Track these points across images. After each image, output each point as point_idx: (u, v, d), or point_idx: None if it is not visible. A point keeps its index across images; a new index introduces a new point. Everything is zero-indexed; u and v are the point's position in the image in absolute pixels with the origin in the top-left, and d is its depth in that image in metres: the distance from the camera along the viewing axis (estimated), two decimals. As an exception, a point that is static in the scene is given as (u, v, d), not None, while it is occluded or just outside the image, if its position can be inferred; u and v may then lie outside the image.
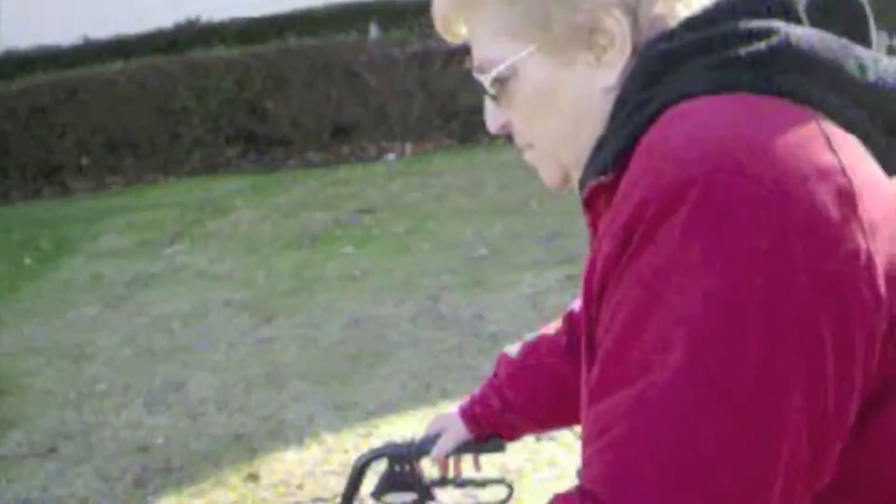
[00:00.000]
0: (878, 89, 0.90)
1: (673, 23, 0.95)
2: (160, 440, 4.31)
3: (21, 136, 10.40)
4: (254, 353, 5.15)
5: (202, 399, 4.65)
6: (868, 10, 0.96)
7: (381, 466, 1.62)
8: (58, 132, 10.41)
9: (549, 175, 1.08)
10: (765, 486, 0.79)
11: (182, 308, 6.02)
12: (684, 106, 0.88)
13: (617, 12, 0.94)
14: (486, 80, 1.03)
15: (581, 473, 0.86)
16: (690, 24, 0.93)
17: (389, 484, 1.59)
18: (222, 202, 8.72)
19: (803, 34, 0.89)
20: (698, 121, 0.86)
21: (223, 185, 9.44)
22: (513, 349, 1.58)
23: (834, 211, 0.80)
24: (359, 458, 1.63)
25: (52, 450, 4.37)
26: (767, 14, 0.91)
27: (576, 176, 1.04)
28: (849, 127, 0.89)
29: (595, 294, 0.90)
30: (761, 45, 0.88)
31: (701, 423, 0.78)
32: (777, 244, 0.78)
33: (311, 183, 9.07)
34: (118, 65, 10.50)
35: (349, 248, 6.81)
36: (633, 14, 0.95)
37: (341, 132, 9.91)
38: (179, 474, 3.97)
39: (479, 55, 1.03)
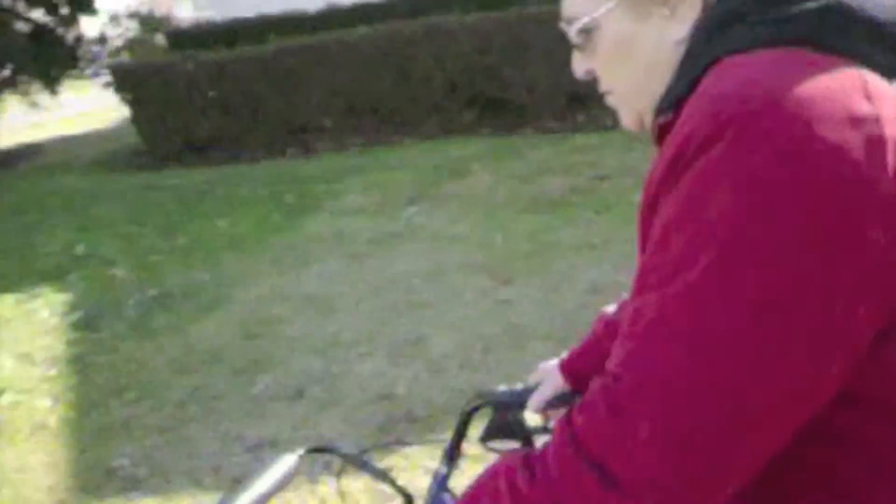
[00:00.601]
0: None
1: None
2: (402, 390, 4.40)
3: (270, 97, 10.90)
4: (492, 313, 5.17)
5: (443, 354, 4.71)
6: None
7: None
8: (303, 94, 10.83)
9: (626, 118, 1.20)
10: (768, 375, 0.89)
11: (421, 267, 6.13)
12: (736, 58, 0.97)
13: None
14: (571, 30, 1.14)
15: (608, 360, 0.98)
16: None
17: (495, 430, 1.64)
18: (459, 165, 8.82)
19: None
20: (744, 70, 0.95)
21: (460, 149, 9.55)
22: (611, 308, 1.64)
23: (861, 155, 0.88)
24: (467, 403, 1.68)
25: (300, 393, 4.55)
26: None
27: (649, 119, 1.14)
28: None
29: (647, 213, 1.00)
30: (811, 4, 0.97)
31: (716, 317, 0.88)
32: (800, 179, 0.87)
33: (547, 149, 9.03)
34: (362, 30, 10.78)
35: (588, 214, 6.74)
36: None
37: (576, 100, 9.81)
38: (423, 424, 4.04)
39: (567, 8, 1.15)
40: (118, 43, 15.54)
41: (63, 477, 4.13)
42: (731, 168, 0.89)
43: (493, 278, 5.72)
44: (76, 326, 6.03)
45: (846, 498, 1.00)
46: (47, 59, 14.64)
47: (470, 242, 6.54)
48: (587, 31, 1.12)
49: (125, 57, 15.11)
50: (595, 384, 0.97)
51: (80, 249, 7.94)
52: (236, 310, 5.87)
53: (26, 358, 5.56)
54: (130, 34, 15.35)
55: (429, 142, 10.18)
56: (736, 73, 0.95)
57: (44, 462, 4.27)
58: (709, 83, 0.97)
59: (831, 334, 0.89)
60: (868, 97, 0.91)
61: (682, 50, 1.06)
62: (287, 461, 1.49)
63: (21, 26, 14.60)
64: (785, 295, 0.87)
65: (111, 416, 4.61)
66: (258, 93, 10.91)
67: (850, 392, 0.94)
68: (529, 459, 1.00)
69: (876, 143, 0.89)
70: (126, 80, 11.95)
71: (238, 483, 1.44)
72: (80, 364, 5.38)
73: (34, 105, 15.61)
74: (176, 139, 11.49)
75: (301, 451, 1.53)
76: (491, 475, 1.04)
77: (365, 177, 9.04)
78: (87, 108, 18.93)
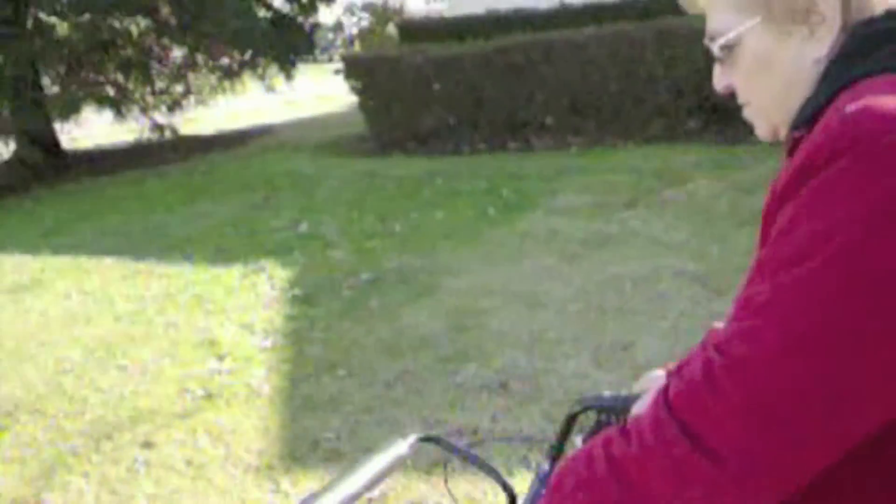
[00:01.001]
0: None
1: (880, 6, 1.10)
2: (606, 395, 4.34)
3: (494, 92, 11.02)
4: (703, 325, 5.03)
5: (649, 362, 4.62)
6: None
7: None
8: (527, 90, 10.88)
9: (761, 129, 1.25)
10: (857, 373, 0.95)
11: (634, 271, 6.04)
12: (871, 80, 1.03)
13: None
14: (714, 46, 1.20)
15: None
16: (889, 14, 1.08)
17: (597, 433, 1.63)
18: (680, 172, 8.64)
19: None
20: (876, 92, 1.00)
21: (682, 156, 9.35)
22: (720, 324, 1.63)
23: None
24: (571, 407, 1.71)
25: (503, 386, 4.57)
26: None
27: (783, 132, 1.20)
28: None
29: (770, 218, 1.05)
30: None
31: (821, 312, 0.94)
32: None
33: (772, 162, 8.71)
34: (590, 29, 10.73)
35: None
36: None
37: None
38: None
39: (711, 25, 1.20)
40: (352, 32, 16.07)
41: (272, 443, 4.31)
42: (853, 181, 0.95)
43: (707, 289, 5.57)
44: (294, 302, 6.29)
45: None
46: (285, 45, 15.34)
47: (685, 251, 6.39)
48: (729, 47, 1.19)
49: (357, 46, 15.62)
50: (696, 358, 1.03)
51: (303, 229, 8.28)
52: (446, 299, 5.96)
53: (247, 328, 5.84)
54: (364, 24, 15.84)
55: (650, 146, 10.03)
56: (868, 94, 1.01)
57: (255, 426, 4.48)
58: (843, 101, 1.02)
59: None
60: None
61: (819, 68, 1.13)
62: (399, 447, 1.53)
63: (263, 13, 15.34)
64: (889, 302, 0.93)
65: (321, 390, 4.78)
66: (483, 88, 11.05)
67: None
68: (625, 428, 1.08)
69: None
70: (356, 69, 12.36)
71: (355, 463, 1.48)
72: (296, 338, 5.60)
73: (270, 88, 16.39)
74: (400, 129, 11.81)
75: (413, 439, 1.57)
76: (590, 445, 1.11)
77: (583, 177, 8.99)
78: (318, 92, 19.69)
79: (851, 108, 0.99)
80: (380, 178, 10.21)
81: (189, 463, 4.20)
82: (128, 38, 14.37)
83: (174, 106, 15.47)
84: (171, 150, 14.19)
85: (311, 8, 16.41)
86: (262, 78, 16.20)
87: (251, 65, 15.95)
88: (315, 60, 17.91)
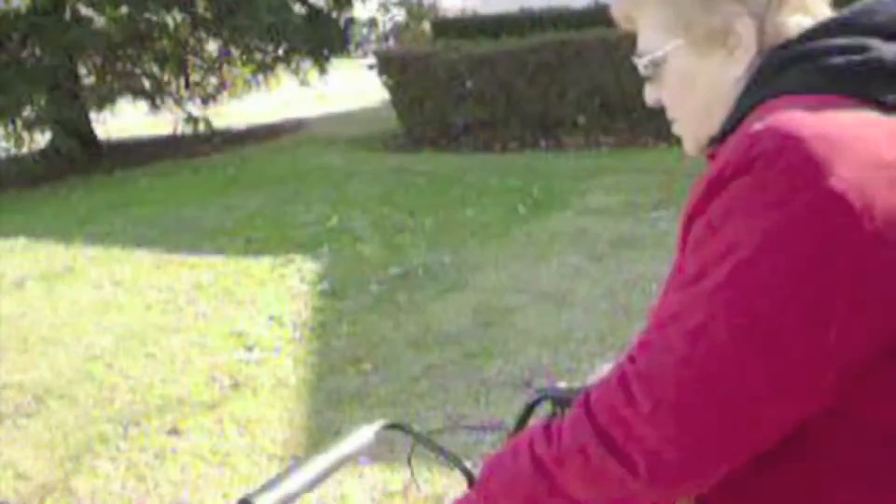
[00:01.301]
0: None
1: (795, 29, 1.17)
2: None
3: (526, 90, 11.02)
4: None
5: (675, 363, 4.62)
6: None
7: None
8: (559, 89, 10.88)
9: (688, 144, 1.32)
10: (757, 379, 1.01)
11: (661, 272, 5.96)
12: (780, 99, 1.11)
13: (746, 20, 1.17)
14: (641, 63, 1.26)
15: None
16: (801, 37, 1.15)
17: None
18: (711, 174, 8.59)
19: (889, 49, 1.09)
20: (783, 111, 1.07)
21: (713, 157, 9.31)
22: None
23: (881, 198, 0.99)
24: (529, 397, 1.76)
25: (528, 383, 4.58)
26: (862, 33, 1.12)
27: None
28: None
29: (685, 227, 1.12)
30: (856, 57, 1.09)
31: (721, 322, 1.02)
32: (811, 213, 0.99)
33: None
34: (622, 29, 10.69)
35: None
36: (761, 20, 1.18)
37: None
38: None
39: (640, 43, 1.26)
40: (386, 28, 16.11)
41: (296, 433, 4.35)
42: (753, 197, 1.02)
43: (736, 291, 5.54)
44: (323, 295, 6.33)
45: None
46: (320, 40, 15.40)
47: (714, 253, 6.37)
48: (655, 64, 1.25)
49: (391, 42, 15.66)
50: (616, 365, 1.12)
51: (333, 223, 8.32)
52: (474, 296, 5.98)
53: (276, 319, 5.89)
54: (398, 20, 15.88)
55: (681, 147, 9.97)
56: (776, 112, 1.08)
57: (280, 417, 4.52)
58: (752, 119, 1.09)
59: (824, 352, 1.00)
60: (893, 144, 1.03)
61: (740, 87, 1.20)
62: (365, 433, 1.56)
63: (298, 8, 15.41)
64: (784, 315, 1.00)
65: (346, 383, 4.81)
66: (515, 86, 11.05)
67: (842, 409, 1.05)
68: (549, 426, 1.16)
69: (894, 187, 1.00)
70: (389, 65, 12.40)
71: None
72: (323, 330, 5.65)
73: (304, 82, 16.46)
74: (432, 125, 11.84)
75: (378, 426, 1.60)
76: (517, 440, 1.21)
77: (613, 177, 8.98)
78: (351, 88, 19.77)
79: (755, 127, 1.06)
80: (410, 173, 10.24)
81: (215, 451, 4.25)
82: (164, 30, 14.49)
83: (208, 99, 15.57)
84: (205, 142, 14.29)
85: (345, 3, 16.47)
86: (296, 72, 16.29)
87: (285, 59, 16.04)
88: (348, 56, 17.98)
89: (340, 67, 17.62)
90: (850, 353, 1.01)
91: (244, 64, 15.89)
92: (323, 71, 16.10)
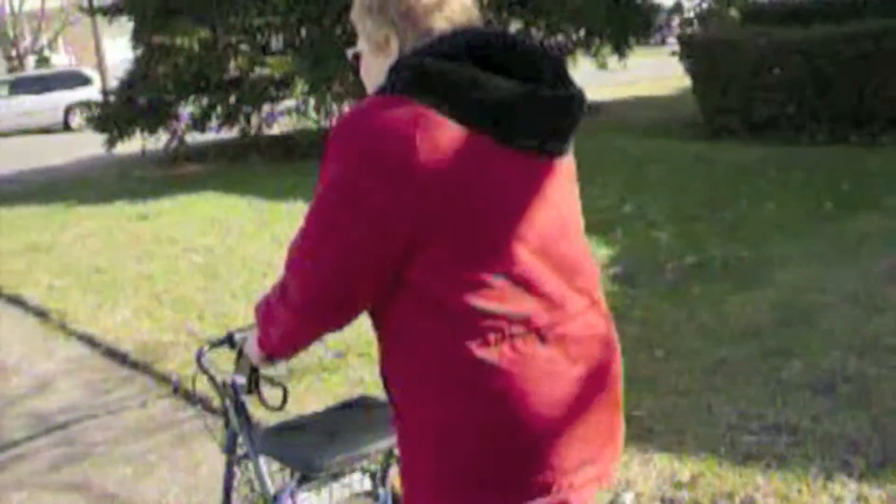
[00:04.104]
0: (484, 99, 1.75)
1: (429, 38, 1.84)
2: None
3: (839, 81, 10.42)
4: None
5: None
6: (541, 53, 1.95)
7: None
8: (876, 81, 10.23)
9: None
10: (339, 259, 1.80)
11: None
12: (371, 96, 1.85)
13: (392, 35, 1.88)
14: (350, 52, 2.05)
15: None
16: (416, 51, 1.82)
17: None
18: None
19: (435, 65, 1.76)
20: (360, 104, 1.82)
21: None
22: None
23: (393, 149, 1.71)
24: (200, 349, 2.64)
25: (830, 387, 4.37)
26: (425, 54, 1.79)
27: None
28: (458, 118, 1.73)
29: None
30: (408, 71, 1.77)
31: (312, 230, 1.83)
32: (356, 164, 1.76)
33: None
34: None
35: None
36: (403, 35, 1.87)
37: None
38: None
39: (359, 40, 1.99)
40: (692, 14, 15.76)
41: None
42: (328, 164, 1.79)
43: None
44: (615, 279, 6.32)
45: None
46: (622, 25, 15.30)
47: None
48: (356, 57, 2.01)
49: (696, 28, 15.31)
50: None
51: (627, 208, 8.28)
52: (774, 292, 5.77)
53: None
54: (705, 5, 15.49)
55: None
56: (355, 104, 1.84)
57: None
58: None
59: (368, 242, 1.76)
60: (415, 123, 1.70)
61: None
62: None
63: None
64: (338, 221, 1.78)
65: (637, 368, 4.76)
66: (827, 76, 10.48)
67: (404, 279, 1.80)
68: (280, 283, 1.94)
69: (404, 145, 1.70)
70: (693, 51, 12.14)
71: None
72: (615, 315, 5.60)
73: (603, 66, 16.42)
74: (734, 114, 11.46)
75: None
76: (272, 285, 2.01)
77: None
78: (650, 73, 19.52)
79: (346, 112, 1.88)
80: (709, 163, 9.99)
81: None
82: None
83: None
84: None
85: (651, -11, 16.30)
86: (595, 56, 16.27)
87: (585, 43, 16.05)
88: (648, 42, 17.72)
89: (638, 53, 17.41)
90: (386, 244, 1.76)
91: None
92: (622, 56, 15.99)
